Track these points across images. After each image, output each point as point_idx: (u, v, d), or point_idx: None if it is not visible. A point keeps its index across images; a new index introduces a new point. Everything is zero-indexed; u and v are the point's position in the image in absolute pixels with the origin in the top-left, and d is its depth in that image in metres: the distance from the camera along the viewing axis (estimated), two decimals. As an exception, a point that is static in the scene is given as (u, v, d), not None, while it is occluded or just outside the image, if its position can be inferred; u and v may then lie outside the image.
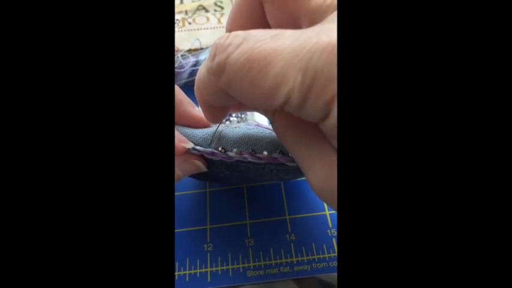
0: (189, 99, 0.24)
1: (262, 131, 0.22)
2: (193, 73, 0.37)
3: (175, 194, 0.30)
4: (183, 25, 0.44)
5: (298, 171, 0.21)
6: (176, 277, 0.25)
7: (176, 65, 0.36)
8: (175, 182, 0.21)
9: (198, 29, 0.44)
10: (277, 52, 0.14)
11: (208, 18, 0.45)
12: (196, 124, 0.23)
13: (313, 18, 0.16)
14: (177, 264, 0.26)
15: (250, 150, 0.20)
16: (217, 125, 0.22)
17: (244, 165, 0.21)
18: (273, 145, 0.21)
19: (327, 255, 0.26)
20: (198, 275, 0.25)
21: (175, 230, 0.28)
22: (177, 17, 0.45)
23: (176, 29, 0.43)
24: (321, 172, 0.16)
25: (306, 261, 0.25)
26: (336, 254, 0.26)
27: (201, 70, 0.17)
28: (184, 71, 0.36)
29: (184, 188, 0.30)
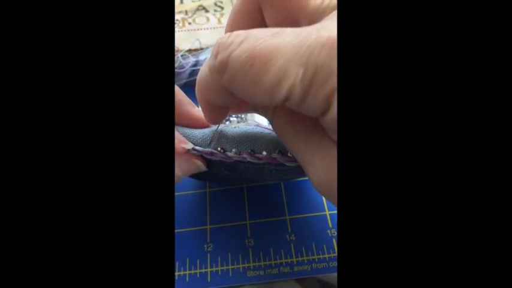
0: (188, 99, 0.24)
1: (261, 130, 0.22)
2: (193, 73, 0.37)
3: (175, 194, 0.30)
4: (183, 25, 0.44)
5: (297, 172, 0.21)
6: (176, 277, 0.25)
7: (176, 65, 0.36)
8: (175, 183, 0.21)
9: (198, 29, 0.44)
10: (278, 49, 0.14)
11: (208, 19, 0.45)
12: (196, 124, 0.23)
13: (312, 19, 0.16)
14: (177, 264, 0.26)
15: (249, 151, 0.20)
16: (217, 125, 0.22)
17: (243, 165, 0.21)
18: (272, 145, 0.21)
19: (327, 255, 0.26)
20: (198, 275, 0.25)
21: (176, 230, 0.28)
22: (177, 17, 0.45)
23: (176, 29, 0.43)
24: (321, 166, 0.16)
25: (306, 261, 0.25)
26: (336, 254, 0.26)
27: (203, 69, 0.17)
28: (184, 71, 0.36)
29: (184, 188, 0.30)
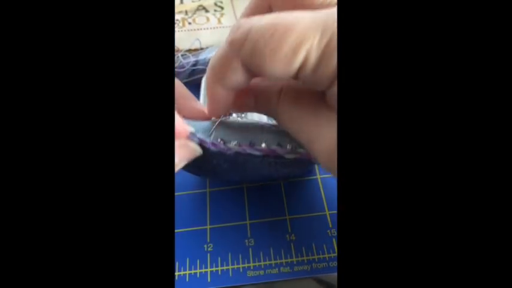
0: (190, 93, 0.24)
1: (261, 124, 0.22)
2: (193, 73, 0.37)
3: (175, 194, 0.30)
4: (183, 25, 0.44)
5: (295, 165, 0.21)
6: (176, 277, 0.25)
7: (176, 64, 0.36)
8: (175, 169, 0.20)
9: (198, 29, 0.44)
10: (297, 19, 0.16)
11: (208, 18, 0.45)
12: (197, 118, 0.23)
13: None
14: (177, 264, 0.26)
15: (248, 143, 0.20)
16: (219, 119, 0.22)
17: (242, 158, 0.21)
18: (272, 138, 0.21)
19: (327, 255, 0.26)
20: (198, 275, 0.25)
21: (176, 230, 0.28)
22: (177, 17, 0.45)
23: (176, 29, 0.43)
24: (328, 137, 0.17)
25: (306, 261, 0.25)
26: (336, 254, 0.26)
27: (219, 49, 0.19)
28: (184, 71, 0.36)
29: (184, 188, 0.30)
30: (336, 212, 0.28)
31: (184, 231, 0.28)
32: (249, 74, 0.18)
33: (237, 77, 0.18)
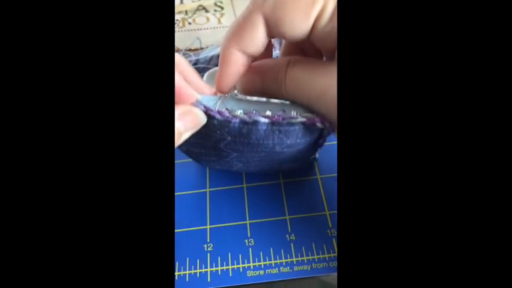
0: (194, 70, 0.23)
1: (266, 100, 0.22)
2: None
3: (175, 194, 0.30)
4: (183, 25, 0.44)
5: (300, 135, 0.21)
6: (176, 277, 0.25)
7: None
8: (177, 142, 0.19)
9: (198, 29, 0.44)
10: None
11: (208, 19, 0.45)
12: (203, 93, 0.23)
13: None
14: (177, 264, 0.26)
15: (254, 111, 0.21)
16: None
17: (247, 128, 0.21)
18: (277, 108, 0.21)
19: (327, 255, 0.26)
20: (198, 275, 0.25)
21: (176, 230, 0.28)
22: (177, 17, 0.45)
23: (176, 29, 0.43)
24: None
25: (306, 261, 0.25)
26: (336, 254, 0.26)
27: (241, 13, 0.20)
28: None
29: (184, 188, 0.30)
30: (336, 212, 0.28)
31: (184, 231, 0.28)
32: (268, 33, 0.20)
33: (257, 34, 0.19)
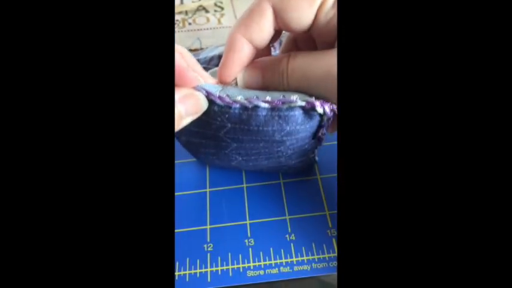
0: (196, 62, 0.23)
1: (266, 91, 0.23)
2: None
3: (176, 194, 0.30)
4: (183, 25, 0.44)
5: (300, 121, 0.21)
6: (176, 277, 0.25)
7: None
8: (177, 123, 0.19)
9: (198, 30, 0.44)
10: None
11: (208, 19, 0.45)
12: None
13: None
14: (177, 264, 0.26)
15: (254, 96, 0.21)
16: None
17: (247, 114, 0.21)
18: (277, 95, 0.21)
19: (326, 255, 0.26)
20: (198, 275, 0.25)
21: (176, 230, 0.28)
22: (177, 17, 0.45)
23: (176, 29, 0.43)
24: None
25: (306, 261, 0.25)
26: (336, 254, 0.26)
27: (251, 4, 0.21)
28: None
29: (184, 188, 0.30)
30: (336, 212, 0.28)
31: (184, 231, 0.28)
32: (275, 23, 0.21)
33: (264, 23, 0.21)
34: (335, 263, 0.25)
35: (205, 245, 0.27)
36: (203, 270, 0.26)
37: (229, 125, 0.22)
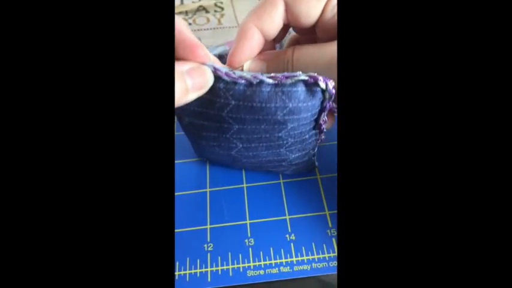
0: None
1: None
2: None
3: (176, 194, 0.30)
4: (183, 25, 0.44)
5: (301, 97, 0.21)
6: (176, 277, 0.25)
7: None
8: (183, 97, 0.19)
9: (198, 30, 0.44)
10: None
11: (208, 19, 0.45)
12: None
13: None
14: (177, 264, 0.26)
15: (260, 74, 0.22)
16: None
17: (251, 90, 0.21)
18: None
19: (326, 255, 0.26)
20: (198, 275, 0.25)
21: (176, 230, 0.28)
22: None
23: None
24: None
25: (306, 261, 0.25)
26: (335, 254, 0.26)
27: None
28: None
29: (184, 188, 0.30)
30: (336, 212, 0.28)
31: (184, 231, 0.28)
32: (285, 16, 0.22)
33: (276, 14, 0.22)
34: (335, 263, 0.25)
35: (205, 245, 0.27)
36: (203, 270, 0.26)
37: (233, 102, 0.22)
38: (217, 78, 0.21)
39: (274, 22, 0.23)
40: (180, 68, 0.19)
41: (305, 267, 0.25)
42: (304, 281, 0.25)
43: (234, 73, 0.21)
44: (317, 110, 0.23)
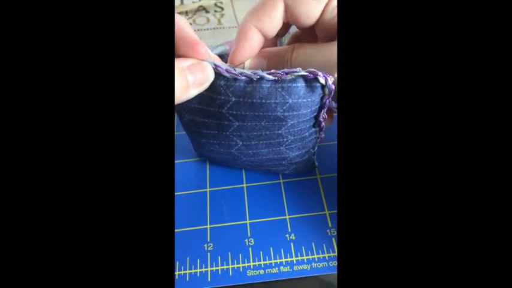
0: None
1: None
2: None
3: (176, 193, 0.30)
4: (184, 25, 0.44)
5: (301, 93, 0.22)
6: (176, 276, 0.25)
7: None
8: (184, 93, 0.19)
9: (198, 30, 0.44)
10: None
11: (208, 19, 0.45)
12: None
13: None
14: (177, 263, 0.26)
15: (260, 70, 0.22)
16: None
17: (251, 86, 0.22)
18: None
19: (326, 255, 0.26)
20: (198, 275, 0.25)
21: (176, 230, 0.28)
22: (177, 17, 0.45)
23: (176, 29, 0.43)
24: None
25: (305, 260, 0.25)
26: (335, 254, 0.26)
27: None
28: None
29: (184, 188, 0.30)
30: (335, 211, 0.28)
31: (184, 231, 0.28)
32: (285, 16, 0.22)
33: (275, 14, 0.22)
34: (335, 263, 0.25)
35: (205, 245, 0.27)
36: (203, 269, 0.26)
37: (233, 99, 0.22)
38: (218, 75, 0.21)
39: (274, 23, 0.23)
40: (180, 64, 0.19)
41: (305, 267, 0.25)
42: (304, 281, 0.25)
43: (234, 70, 0.22)
44: (317, 106, 0.23)
